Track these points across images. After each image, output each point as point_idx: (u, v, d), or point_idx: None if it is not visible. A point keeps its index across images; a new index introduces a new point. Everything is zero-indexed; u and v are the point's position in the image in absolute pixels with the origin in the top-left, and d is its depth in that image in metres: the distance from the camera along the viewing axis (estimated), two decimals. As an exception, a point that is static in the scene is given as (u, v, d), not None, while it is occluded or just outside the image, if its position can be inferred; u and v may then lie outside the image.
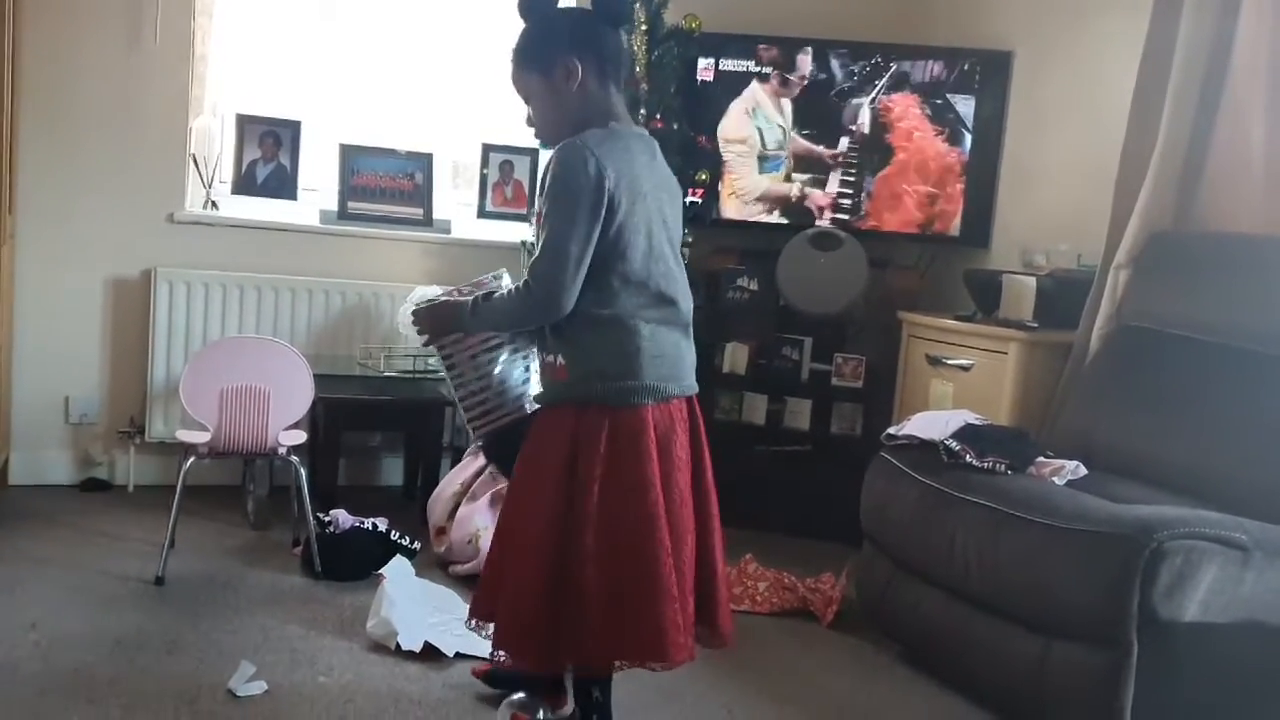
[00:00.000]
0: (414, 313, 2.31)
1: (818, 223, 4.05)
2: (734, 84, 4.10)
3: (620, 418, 2.05)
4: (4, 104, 3.25)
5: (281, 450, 3.10)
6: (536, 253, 2.05)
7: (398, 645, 2.64)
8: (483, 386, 2.29)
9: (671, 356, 2.10)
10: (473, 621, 2.25)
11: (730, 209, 4.17)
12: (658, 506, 2.04)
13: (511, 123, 2.44)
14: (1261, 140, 2.96)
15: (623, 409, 2.05)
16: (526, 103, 2.17)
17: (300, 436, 3.21)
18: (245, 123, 3.91)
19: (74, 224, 3.68)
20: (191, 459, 3.05)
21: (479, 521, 3.21)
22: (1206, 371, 2.81)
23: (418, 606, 2.81)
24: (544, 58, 2.10)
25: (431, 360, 3.68)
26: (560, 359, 2.09)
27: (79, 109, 3.65)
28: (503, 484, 3.06)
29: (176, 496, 3.02)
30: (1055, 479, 2.70)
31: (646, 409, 2.06)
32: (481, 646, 2.57)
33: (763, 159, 4.15)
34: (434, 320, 2.26)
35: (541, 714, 2.31)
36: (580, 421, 2.06)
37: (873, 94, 4.05)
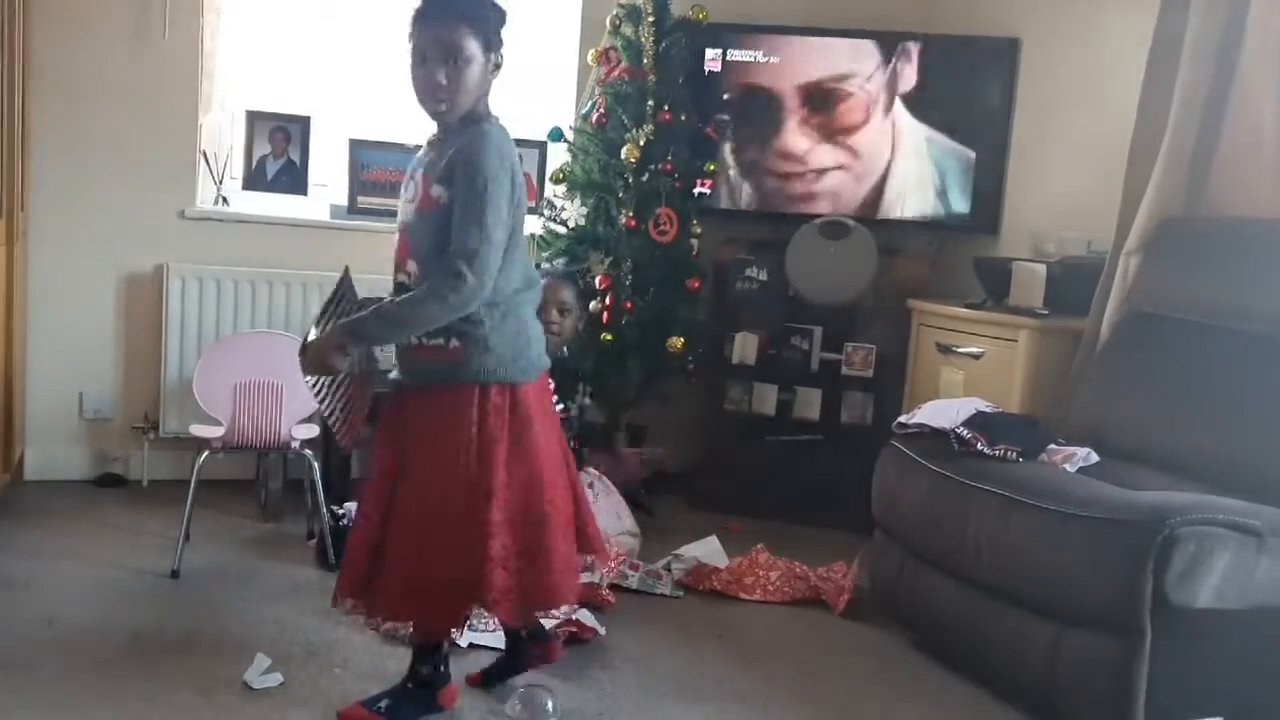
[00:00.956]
0: (305, 361, 2.19)
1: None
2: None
3: (514, 394, 2.19)
4: (15, 101, 3.27)
5: (295, 444, 3.11)
6: (461, 238, 2.06)
7: (412, 637, 2.65)
8: (352, 395, 2.27)
9: (538, 336, 2.26)
10: (345, 602, 2.25)
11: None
12: (545, 470, 2.21)
13: (515, 118, 2.41)
14: (1273, 123, 2.94)
15: (517, 386, 2.19)
16: (451, 62, 2.09)
17: (313, 430, 3.22)
18: (255, 119, 3.91)
19: (86, 221, 3.70)
20: (205, 453, 3.07)
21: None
22: (1218, 357, 2.80)
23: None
24: (490, 34, 2.14)
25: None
26: (456, 342, 2.15)
27: (90, 106, 3.66)
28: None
29: (191, 491, 3.04)
30: (1067, 466, 2.70)
31: (531, 384, 2.22)
32: (495, 637, 2.59)
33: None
34: (345, 343, 2.15)
35: (549, 704, 2.32)
36: (483, 399, 2.15)
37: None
